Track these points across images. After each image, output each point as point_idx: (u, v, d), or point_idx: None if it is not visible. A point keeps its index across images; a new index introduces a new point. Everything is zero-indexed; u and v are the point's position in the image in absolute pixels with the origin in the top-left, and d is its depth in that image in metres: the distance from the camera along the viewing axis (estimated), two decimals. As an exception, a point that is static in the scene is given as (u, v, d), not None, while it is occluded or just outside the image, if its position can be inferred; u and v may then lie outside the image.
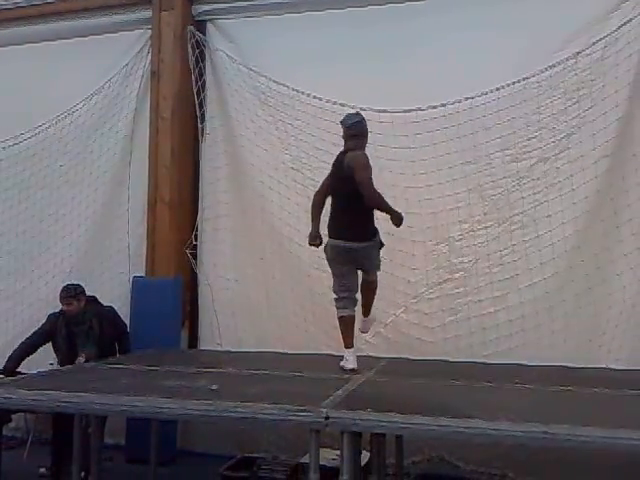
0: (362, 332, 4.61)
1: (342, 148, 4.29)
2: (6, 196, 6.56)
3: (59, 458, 4.89)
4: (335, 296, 4.27)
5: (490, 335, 5.07)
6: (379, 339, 5.32)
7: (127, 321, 5.78)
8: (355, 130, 4.17)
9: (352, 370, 4.10)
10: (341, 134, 5.42)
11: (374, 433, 3.61)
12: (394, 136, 5.19)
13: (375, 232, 4.24)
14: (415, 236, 5.20)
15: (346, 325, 4.23)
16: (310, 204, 4.41)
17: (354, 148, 4.13)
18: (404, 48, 5.47)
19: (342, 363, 4.19)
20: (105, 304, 6.09)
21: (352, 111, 4.42)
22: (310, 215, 4.39)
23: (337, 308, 4.26)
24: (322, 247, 4.30)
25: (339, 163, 4.18)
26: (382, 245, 4.34)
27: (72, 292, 5.19)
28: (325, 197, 4.33)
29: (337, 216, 4.19)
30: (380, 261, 4.40)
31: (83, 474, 4.23)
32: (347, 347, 4.21)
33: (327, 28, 5.76)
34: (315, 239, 4.27)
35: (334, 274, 4.28)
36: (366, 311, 4.48)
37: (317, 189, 4.44)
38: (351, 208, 4.08)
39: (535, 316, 5.02)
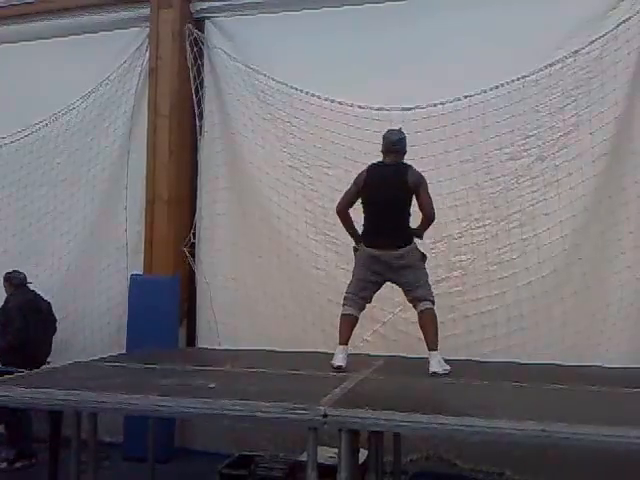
0: (430, 373, 4.03)
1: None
2: (3, 194, 6.56)
3: (56, 455, 4.88)
4: (345, 295, 4.26)
5: (488, 333, 5.07)
6: (377, 337, 5.32)
7: (125, 319, 5.80)
8: (399, 146, 4.24)
9: (338, 367, 4.07)
10: (338, 132, 5.41)
11: (372, 431, 3.60)
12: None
13: (411, 239, 4.19)
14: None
15: (343, 323, 4.22)
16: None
17: (396, 162, 4.21)
18: (403, 47, 5.46)
19: (332, 360, 4.17)
20: (102, 302, 6.13)
21: (394, 127, 4.39)
22: (345, 228, 4.33)
23: (342, 306, 4.27)
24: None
25: (385, 173, 4.19)
26: (424, 257, 4.24)
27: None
28: (350, 208, 4.33)
29: (374, 224, 4.18)
30: (429, 287, 4.20)
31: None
32: (339, 343, 4.19)
33: (326, 26, 5.75)
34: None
35: (354, 277, 4.26)
36: (428, 345, 4.11)
37: (341, 203, 4.30)
38: (391, 217, 4.14)
39: (533, 314, 5.03)
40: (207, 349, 5.77)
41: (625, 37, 4.93)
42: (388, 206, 4.14)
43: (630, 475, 3.92)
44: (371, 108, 5.26)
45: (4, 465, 5.28)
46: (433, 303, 4.16)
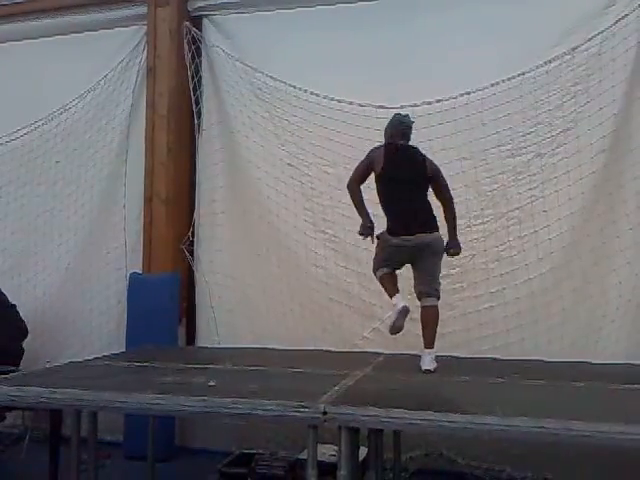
0: (423, 369, 4.01)
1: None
2: (1, 193, 6.54)
3: (57, 455, 4.88)
4: (373, 268, 4.21)
5: (487, 331, 5.07)
6: (376, 335, 5.32)
7: (124, 317, 5.80)
8: (410, 131, 4.24)
9: (404, 308, 3.95)
10: (336, 130, 5.38)
11: (372, 428, 3.61)
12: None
13: (437, 227, 4.14)
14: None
15: (386, 279, 4.14)
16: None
17: (412, 145, 4.23)
18: (401, 44, 5.46)
19: (390, 314, 4.12)
20: (101, 300, 6.12)
21: (402, 112, 4.40)
22: (355, 204, 4.17)
23: (375, 273, 4.19)
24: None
25: (407, 156, 4.15)
26: (444, 250, 4.16)
27: None
28: (361, 184, 4.21)
29: (403, 209, 4.09)
30: (439, 282, 4.14)
31: None
32: (392, 295, 4.07)
33: (324, 24, 5.75)
34: (368, 229, 4.11)
35: (379, 255, 4.17)
36: (426, 342, 4.09)
37: (352, 177, 4.20)
38: (419, 200, 4.11)
39: (532, 311, 5.03)
40: (206, 347, 5.76)
41: (623, 34, 4.93)
42: (414, 189, 4.09)
43: (629, 471, 3.93)
44: (370, 106, 5.26)
45: None
46: (438, 299, 4.14)
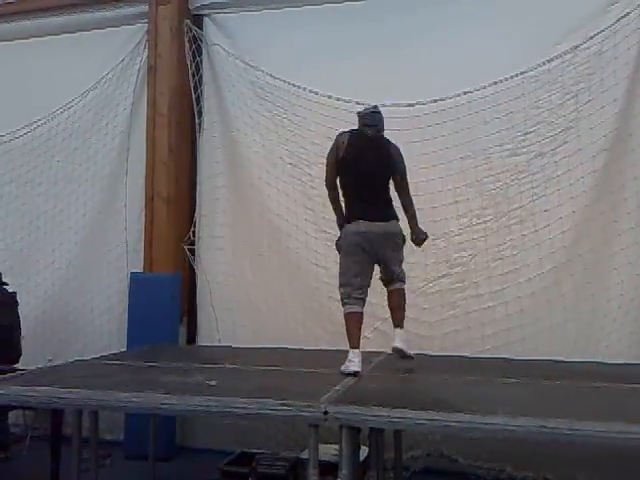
0: (394, 348, 4.01)
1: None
2: (3, 192, 6.56)
3: (58, 454, 4.88)
4: (342, 290, 3.89)
5: (488, 330, 5.07)
6: (377, 334, 5.30)
7: (125, 317, 5.79)
8: (372, 118, 4.07)
9: (355, 373, 3.70)
10: (337, 129, 5.42)
11: (373, 428, 3.60)
12: (392, 130, 5.16)
13: (397, 216, 4.04)
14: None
15: (351, 322, 3.84)
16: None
17: (379, 135, 4.07)
18: (402, 42, 5.46)
19: (346, 366, 3.76)
20: (102, 300, 6.11)
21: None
22: (334, 206, 4.02)
23: (343, 304, 3.88)
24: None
25: (370, 143, 3.98)
26: (405, 238, 4.06)
27: None
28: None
29: (363, 197, 3.92)
30: (403, 271, 4.07)
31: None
32: (352, 347, 3.79)
33: (325, 22, 5.75)
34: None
35: (347, 267, 3.88)
36: (397, 322, 4.03)
37: (328, 177, 4.02)
38: (379, 191, 3.99)
39: (533, 310, 5.03)
40: (207, 346, 5.77)
41: (625, 32, 4.92)
42: (376, 179, 3.98)
43: (629, 470, 3.92)
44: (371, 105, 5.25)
45: None
46: (404, 284, 4.12)
